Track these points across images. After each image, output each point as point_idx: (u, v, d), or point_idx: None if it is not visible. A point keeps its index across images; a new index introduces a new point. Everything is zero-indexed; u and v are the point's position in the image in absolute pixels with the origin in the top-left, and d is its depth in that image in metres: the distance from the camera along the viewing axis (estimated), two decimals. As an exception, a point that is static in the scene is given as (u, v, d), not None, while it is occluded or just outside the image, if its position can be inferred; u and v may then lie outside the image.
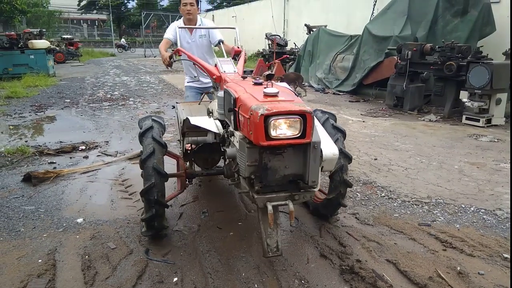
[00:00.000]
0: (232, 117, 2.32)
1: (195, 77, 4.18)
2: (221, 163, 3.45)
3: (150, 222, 2.69)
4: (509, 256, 2.71)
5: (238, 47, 3.87)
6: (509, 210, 3.42)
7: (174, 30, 4.03)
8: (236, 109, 2.24)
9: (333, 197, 2.95)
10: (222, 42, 4.15)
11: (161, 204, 2.62)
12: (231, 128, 2.43)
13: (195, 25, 4.16)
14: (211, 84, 4.34)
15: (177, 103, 3.82)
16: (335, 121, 2.97)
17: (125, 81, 13.43)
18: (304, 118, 1.99)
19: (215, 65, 3.41)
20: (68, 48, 22.05)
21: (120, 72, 16.52)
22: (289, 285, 2.41)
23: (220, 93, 2.69)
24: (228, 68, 3.30)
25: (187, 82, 4.46)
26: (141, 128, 2.81)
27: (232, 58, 3.70)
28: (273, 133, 1.96)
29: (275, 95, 2.10)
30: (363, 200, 3.68)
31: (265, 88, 2.16)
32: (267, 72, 2.81)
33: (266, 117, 1.93)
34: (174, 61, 3.77)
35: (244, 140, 2.15)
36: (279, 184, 2.18)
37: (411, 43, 8.24)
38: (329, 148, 2.37)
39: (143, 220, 2.71)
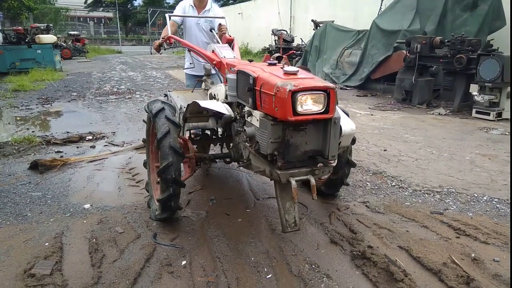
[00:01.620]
0: (250, 97, 2.32)
1: (190, 63, 4.13)
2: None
3: (166, 202, 2.65)
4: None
5: (230, 36, 3.84)
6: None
7: (182, 10, 4.11)
8: (257, 88, 2.25)
9: (337, 176, 3.07)
10: (214, 29, 4.19)
11: (178, 183, 2.59)
12: (247, 108, 2.42)
13: (205, 6, 4.21)
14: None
15: (169, 91, 3.79)
16: (337, 104, 2.97)
17: (132, 76, 13.42)
18: (328, 94, 2.06)
19: (212, 51, 3.38)
20: (74, 44, 22.11)
21: (126, 68, 16.53)
22: (299, 269, 2.37)
23: (231, 75, 2.65)
24: (227, 53, 3.27)
25: (186, 68, 4.43)
26: (150, 112, 2.77)
27: None
28: (299, 108, 2.02)
29: (295, 73, 2.16)
30: (373, 189, 3.62)
31: (281, 67, 2.23)
32: (276, 54, 2.78)
33: (294, 93, 1.98)
34: (165, 49, 3.77)
35: (267, 118, 2.18)
36: (299, 160, 2.23)
37: (421, 36, 8.14)
38: (346, 123, 2.44)
39: (159, 201, 2.67)
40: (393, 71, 9.13)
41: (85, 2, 45.54)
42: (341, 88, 10.54)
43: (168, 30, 3.88)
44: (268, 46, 15.90)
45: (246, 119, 2.49)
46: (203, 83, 3.77)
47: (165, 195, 2.59)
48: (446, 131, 5.84)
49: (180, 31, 4.48)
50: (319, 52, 12.33)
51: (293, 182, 2.15)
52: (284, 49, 13.49)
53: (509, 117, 6.59)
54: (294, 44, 15.10)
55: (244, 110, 2.51)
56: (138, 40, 42.78)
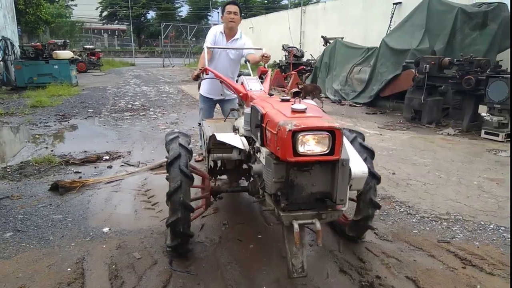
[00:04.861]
0: (259, 133, 2.35)
1: (221, 95, 4.32)
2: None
3: (175, 248, 2.80)
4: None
5: (265, 67, 3.99)
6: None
7: (213, 37, 4.34)
8: (263, 125, 2.27)
9: (361, 219, 2.85)
10: (248, 61, 4.39)
11: (187, 235, 2.70)
12: (257, 144, 2.45)
13: (235, 34, 4.43)
14: (228, 97, 4.49)
15: (203, 120, 3.92)
16: (363, 140, 2.92)
17: (145, 91, 13.70)
18: (333, 134, 1.98)
19: (241, 83, 3.51)
20: (89, 58, 22.62)
21: (140, 82, 16.86)
22: (309, 299, 2.47)
23: (247, 110, 2.75)
24: (254, 86, 3.37)
25: (203, 91, 4.58)
26: (168, 151, 2.81)
27: (259, 77, 3.81)
28: (301, 149, 1.96)
29: (303, 111, 2.12)
30: (382, 215, 3.71)
31: (292, 104, 2.19)
32: (294, 90, 2.88)
33: (294, 133, 1.94)
34: (202, 79, 3.91)
35: (271, 156, 2.15)
36: (305, 202, 2.15)
37: (429, 56, 8.24)
38: (358, 166, 2.31)
39: (169, 246, 2.79)
40: (402, 90, 9.21)
41: (100, 15, 46.58)
42: (350, 105, 10.65)
43: (205, 60, 4.01)
44: (278, 62, 16.16)
45: (256, 154, 2.53)
46: (237, 112, 3.82)
47: (174, 244, 2.75)
48: (455, 153, 5.90)
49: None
50: (329, 69, 12.48)
51: (295, 225, 2.04)
52: (294, 65, 13.70)
53: (510, 136, 6.67)
54: (304, 59, 15.31)
55: (255, 146, 2.56)
56: (151, 52, 43.49)
